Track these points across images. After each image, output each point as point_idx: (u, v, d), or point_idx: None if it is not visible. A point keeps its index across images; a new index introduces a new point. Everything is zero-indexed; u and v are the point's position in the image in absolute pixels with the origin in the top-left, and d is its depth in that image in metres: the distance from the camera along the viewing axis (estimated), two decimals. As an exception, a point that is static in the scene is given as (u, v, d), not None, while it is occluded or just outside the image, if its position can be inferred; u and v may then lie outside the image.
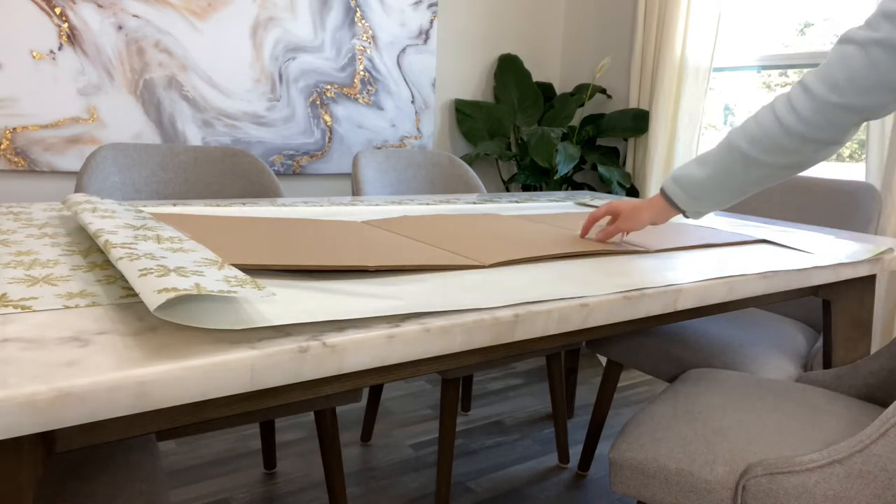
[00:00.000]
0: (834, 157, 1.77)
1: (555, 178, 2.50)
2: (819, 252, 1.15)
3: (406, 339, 0.61)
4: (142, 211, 1.01)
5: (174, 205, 1.25)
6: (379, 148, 2.53)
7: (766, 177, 0.95)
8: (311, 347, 0.55)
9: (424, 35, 2.60)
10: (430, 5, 2.59)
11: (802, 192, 1.72)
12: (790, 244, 1.21)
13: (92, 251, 0.84)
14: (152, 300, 0.53)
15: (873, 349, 1.97)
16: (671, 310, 0.85)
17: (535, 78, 3.01)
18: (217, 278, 0.61)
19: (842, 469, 0.78)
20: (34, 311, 0.59)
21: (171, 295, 0.53)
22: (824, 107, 0.85)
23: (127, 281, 0.71)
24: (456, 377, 1.45)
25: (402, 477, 1.70)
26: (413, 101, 2.62)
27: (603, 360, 2.67)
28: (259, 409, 0.65)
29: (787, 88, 0.84)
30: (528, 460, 1.83)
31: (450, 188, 1.99)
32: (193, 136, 2.18)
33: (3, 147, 1.89)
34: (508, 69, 2.81)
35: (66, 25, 1.92)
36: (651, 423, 1.00)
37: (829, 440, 0.91)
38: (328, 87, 2.41)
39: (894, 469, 0.75)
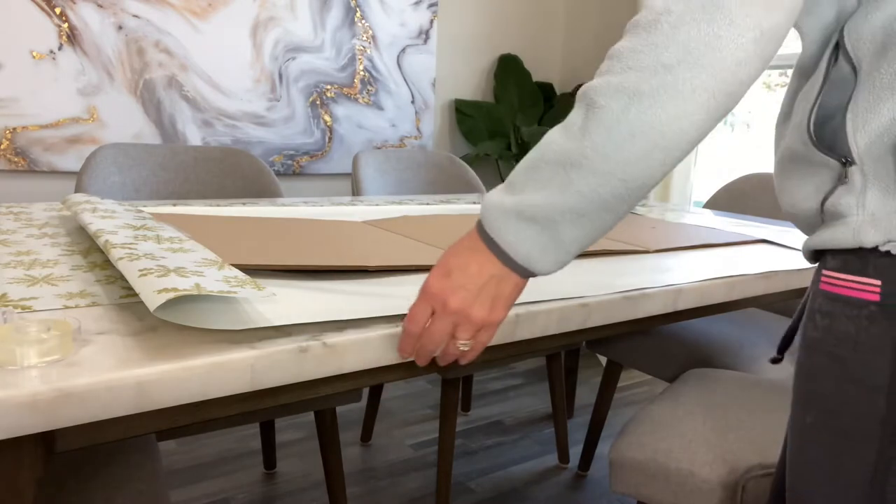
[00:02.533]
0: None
1: (555, 178, 2.50)
2: (819, 252, 1.14)
3: (406, 339, 0.61)
4: (142, 211, 1.01)
5: (174, 205, 1.25)
6: (379, 148, 2.53)
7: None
8: (311, 347, 0.55)
9: (424, 35, 2.60)
10: (430, 5, 2.59)
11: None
12: (790, 244, 1.21)
13: (92, 251, 0.84)
14: (152, 300, 0.53)
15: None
16: (671, 310, 0.85)
17: (535, 78, 3.01)
18: (217, 278, 0.61)
19: (842, 469, 0.78)
20: (34, 310, 0.59)
21: (171, 295, 0.53)
22: None
23: (127, 281, 0.71)
24: (456, 377, 1.45)
25: (402, 477, 1.70)
26: (413, 101, 2.62)
27: (603, 360, 2.67)
28: (259, 409, 0.65)
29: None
30: (528, 460, 1.83)
31: (450, 188, 1.99)
32: (193, 136, 2.18)
33: (3, 147, 1.89)
34: (508, 69, 2.81)
35: (66, 25, 1.92)
36: (651, 423, 1.00)
37: (829, 440, 0.91)
38: (328, 87, 2.41)
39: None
